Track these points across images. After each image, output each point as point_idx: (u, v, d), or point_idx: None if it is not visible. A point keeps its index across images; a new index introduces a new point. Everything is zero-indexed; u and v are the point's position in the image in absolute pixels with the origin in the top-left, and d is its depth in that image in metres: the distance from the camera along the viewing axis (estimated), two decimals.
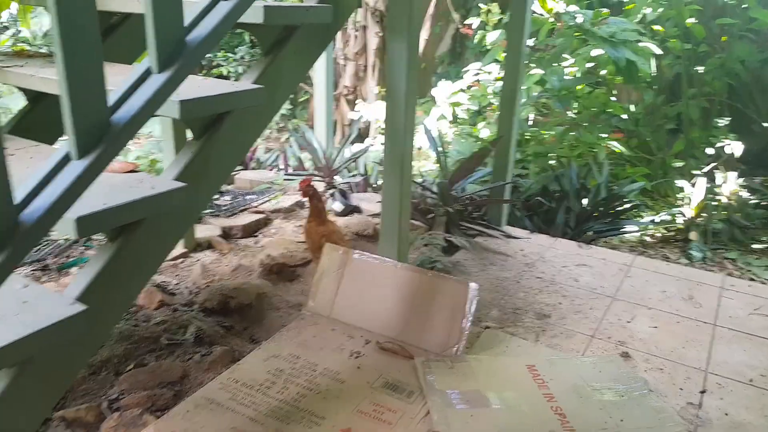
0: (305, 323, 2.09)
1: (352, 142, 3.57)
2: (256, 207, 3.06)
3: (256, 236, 2.87)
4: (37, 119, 1.74)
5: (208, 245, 2.70)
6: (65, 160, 1.03)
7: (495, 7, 4.05)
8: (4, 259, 0.96)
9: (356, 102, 5.17)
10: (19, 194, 0.99)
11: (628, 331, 2.13)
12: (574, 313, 2.24)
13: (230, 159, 1.51)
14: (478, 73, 4.00)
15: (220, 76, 5.54)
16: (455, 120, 4.04)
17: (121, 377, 1.82)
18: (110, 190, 1.24)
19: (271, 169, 3.76)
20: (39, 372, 1.13)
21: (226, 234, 2.82)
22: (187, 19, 1.17)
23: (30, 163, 1.37)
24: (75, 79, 0.99)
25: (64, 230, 1.11)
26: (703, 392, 1.81)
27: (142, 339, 2.02)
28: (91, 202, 1.14)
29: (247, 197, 3.14)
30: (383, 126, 4.73)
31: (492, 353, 1.95)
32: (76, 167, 1.03)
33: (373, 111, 4.73)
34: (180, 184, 1.30)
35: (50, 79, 1.42)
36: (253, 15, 1.34)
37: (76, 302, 1.16)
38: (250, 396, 1.71)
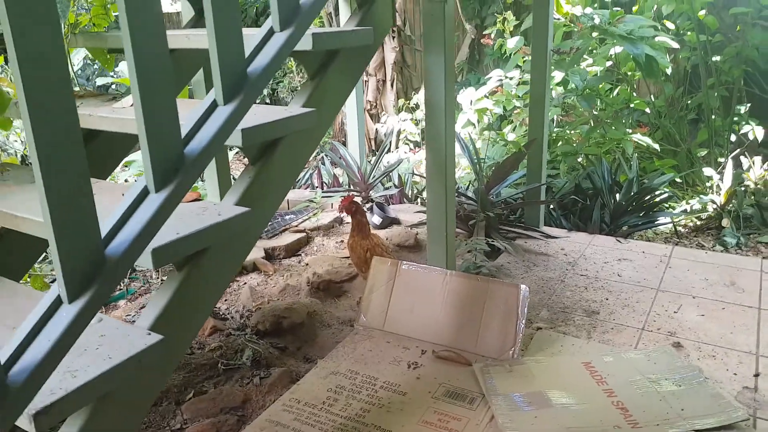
0: (359, 338, 2.12)
1: (381, 155, 3.61)
2: (296, 226, 3.11)
3: (298, 255, 2.92)
4: (90, 156, 1.81)
5: (253, 268, 2.75)
6: (144, 193, 1.08)
7: (510, 15, 4.10)
8: (94, 294, 1.00)
9: (380, 115, 5.24)
10: (103, 229, 1.04)
11: (676, 321, 2.14)
12: (621, 307, 2.24)
13: (285, 181, 1.56)
14: (501, 79, 4.03)
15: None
16: (486, 125, 4.07)
17: (183, 406, 1.85)
18: (179, 219, 1.29)
19: (306, 188, 3.82)
20: (117, 405, 1.16)
21: (270, 255, 2.87)
22: (247, 52, 1.23)
23: (95, 199, 1.42)
24: (151, 116, 1.05)
25: (142, 262, 1.15)
26: (757, 375, 1.81)
27: (198, 366, 2.07)
28: (163, 232, 1.19)
29: (287, 217, 3.19)
30: (407, 137, 4.80)
31: (547, 353, 1.96)
32: (155, 200, 1.08)
33: (396, 123, 4.79)
34: (244, 209, 1.35)
35: (108, 117, 1.48)
36: (303, 43, 1.39)
37: (151, 333, 1.20)
38: (314, 415, 1.74)
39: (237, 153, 5.08)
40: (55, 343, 0.95)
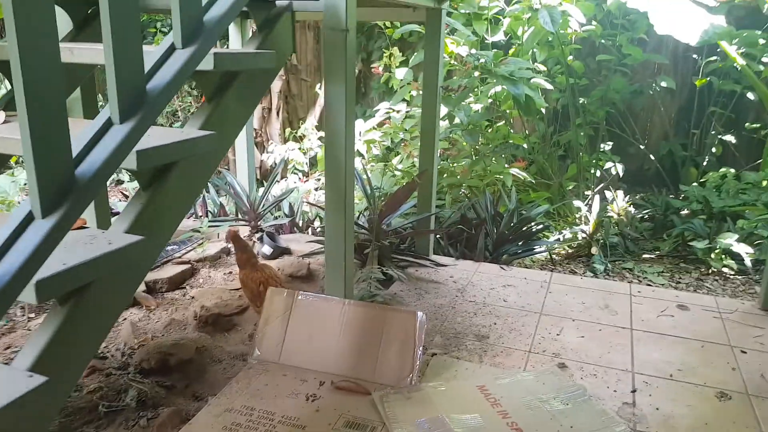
0: (254, 372, 2.03)
1: (271, 184, 3.54)
2: (179, 257, 2.94)
3: (183, 288, 2.76)
4: None
5: (133, 302, 2.55)
6: (28, 219, 0.97)
7: (396, 51, 4.27)
8: None
9: (265, 144, 5.16)
10: None
11: (559, 343, 2.29)
12: (509, 331, 2.36)
13: (180, 208, 1.48)
14: (388, 112, 4.16)
15: None
16: (374, 156, 4.15)
17: None
18: (65, 248, 1.17)
19: (190, 217, 3.63)
20: None
21: (151, 288, 2.69)
22: (146, 68, 1.16)
23: None
24: (39, 134, 0.95)
25: (23, 297, 1.03)
26: (634, 391, 1.98)
27: (76, 410, 1.87)
28: (48, 263, 1.07)
29: (169, 248, 3.01)
30: (296, 166, 4.76)
31: (443, 378, 2.01)
32: (41, 227, 0.97)
33: (284, 152, 4.74)
34: (138, 238, 1.25)
35: None
36: (204, 62, 1.34)
37: (34, 374, 1.07)
38: None
39: (110, 181, 4.73)
40: None
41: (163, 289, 2.72)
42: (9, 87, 1.68)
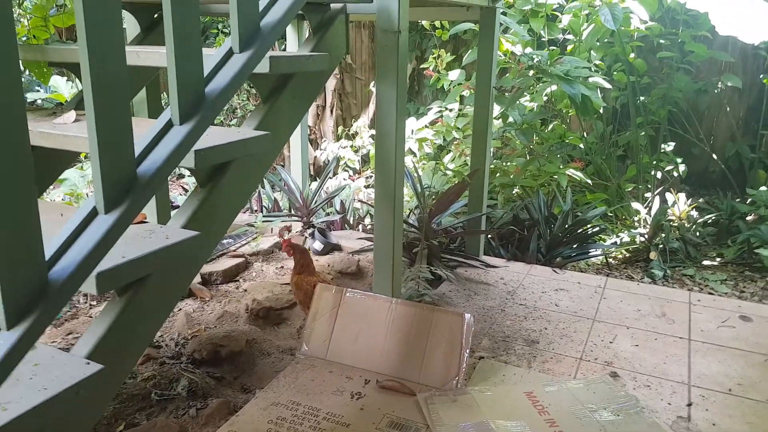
0: (301, 367, 2.07)
1: (323, 181, 3.59)
2: (234, 251, 3.03)
3: (237, 281, 2.83)
4: None
5: (189, 293, 2.64)
6: (93, 214, 1.02)
7: (443, 53, 4.24)
8: (34, 322, 0.93)
9: (319, 141, 5.23)
10: (47, 251, 0.97)
11: (612, 351, 2.22)
12: (560, 337, 2.31)
13: (234, 205, 1.52)
14: (440, 111, 4.13)
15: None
16: (426, 155, 4.14)
17: None
18: (125, 242, 1.22)
19: (245, 212, 3.73)
20: None
21: (206, 280, 2.77)
22: (205, 71, 1.19)
23: None
24: (105, 134, 0.99)
25: (85, 287, 1.08)
26: (689, 405, 1.90)
27: (130, 397, 1.95)
28: (108, 255, 1.12)
29: (225, 241, 3.10)
30: (347, 164, 4.80)
31: (490, 383, 1.98)
32: (104, 221, 1.02)
33: (336, 149, 4.79)
34: (193, 233, 1.29)
35: (50, 133, 1.40)
36: (260, 65, 1.37)
37: (90, 362, 1.12)
38: None
39: (173, 174, 4.91)
40: None
41: (217, 282, 2.81)
42: (80, 86, 1.77)
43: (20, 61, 1.98)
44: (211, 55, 1.23)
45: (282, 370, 2.06)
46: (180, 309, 2.53)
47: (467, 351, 1.97)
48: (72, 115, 1.50)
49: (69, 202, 3.26)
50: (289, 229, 3.26)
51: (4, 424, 0.95)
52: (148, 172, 1.07)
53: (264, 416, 1.81)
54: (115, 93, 0.98)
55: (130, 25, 2.07)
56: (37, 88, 4.04)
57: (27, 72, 1.85)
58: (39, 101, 4.13)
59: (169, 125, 1.13)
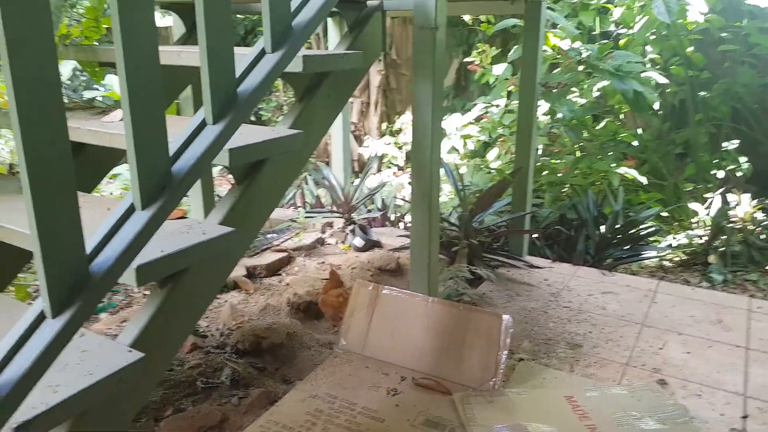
0: (339, 362, 2.09)
1: (365, 177, 3.61)
2: (278, 246, 3.08)
3: (280, 275, 2.89)
4: (76, 169, 1.78)
5: (234, 286, 2.71)
6: (130, 210, 1.06)
7: (488, 47, 4.17)
8: (77, 310, 0.98)
9: (363, 138, 5.26)
10: (88, 245, 1.02)
11: (661, 357, 2.13)
12: (605, 341, 2.24)
13: (270, 202, 1.55)
14: (486, 106, 4.08)
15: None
16: (470, 152, 4.10)
17: (161, 423, 1.81)
18: (163, 236, 1.26)
19: (289, 207, 3.80)
20: (96, 421, 1.13)
21: (251, 274, 2.84)
22: (238, 71, 1.22)
23: (81, 213, 1.40)
24: (140, 134, 1.03)
25: (125, 279, 1.13)
26: (745, 417, 1.80)
27: (178, 383, 2.03)
28: (147, 249, 1.17)
29: (269, 236, 3.17)
30: (390, 161, 4.81)
31: (529, 386, 1.95)
32: (140, 217, 1.06)
33: (380, 146, 4.80)
34: (229, 229, 1.33)
35: (98, 131, 1.46)
36: (293, 64, 1.39)
37: (132, 350, 1.18)
38: None
39: (221, 170, 5.06)
40: (37, 359, 0.94)
41: (261, 275, 2.87)
42: None
43: (74, 61, 2.08)
44: (244, 55, 1.26)
45: (320, 364, 2.09)
46: (226, 301, 2.60)
47: (505, 352, 1.94)
48: (119, 113, 1.56)
49: (122, 196, 3.40)
50: (330, 225, 3.30)
51: (55, 405, 1.01)
52: (182, 169, 1.11)
53: (302, 408, 1.84)
54: (150, 95, 1.02)
55: (177, 25, 2.14)
56: (95, 86, 4.24)
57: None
58: (98, 99, 4.33)
59: (202, 125, 1.16)
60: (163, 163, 1.08)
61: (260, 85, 1.23)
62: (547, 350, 2.17)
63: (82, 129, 1.49)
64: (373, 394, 1.90)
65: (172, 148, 1.13)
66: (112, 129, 1.45)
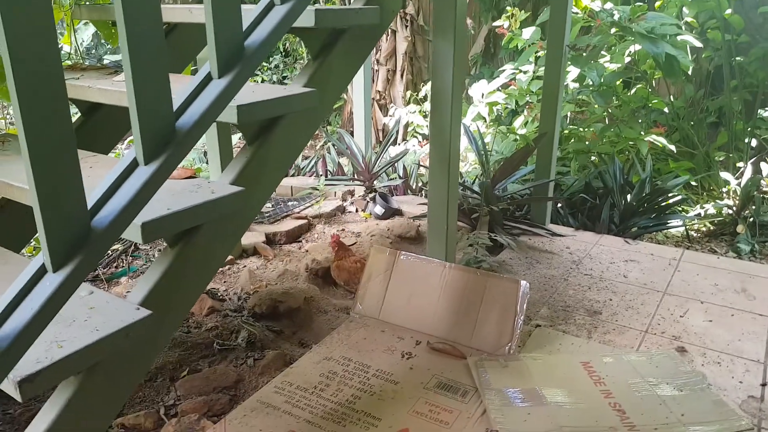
0: (354, 326, 2.10)
1: (387, 146, 3.57)
2: (298, 213, 3.09)
3: (299, 241, 2.90)
4: (91, 130, 1.80)
5: (253, 251, 2.73)
6: (133, 165, 1.06)
7: (517, 11, 4.03)
8: (78, 264, 0.98)
9: (389, 106, 5.19)
10: (89, 200, 1.02)
11: (681, 325, 2.09)
12: (625, 309, 2.20)
13: (283, 163, 1.53)
14: (513, 73, 3.97)
15: None
16: (494, 119, 4.01)
17: (177, 383, 1.85)
18: (172, 195, 1.27)
19: (311, 175, 3.80)
20: (106, 376, 1.15)
21: (270, 240, 2.86)
22: (245, 24, 1.20)
23: (91, 172, 1.41)
24: (142, 87, 1.02)
25: (130, 236, 1.14)
26: (764, 385, 1.76)
27: (195, 345, 2.06)
28: (154, 207, 1.17)
29: (289, 203, 3.17)
30: (416, 129, 4.75)
31: (545, 351, 1.93)
32: (143, 173, 1.06)
33: (405, 115, 4.74)
34: (238, 189, 1.32)
35: (108, 89, 1.46)
36: (305, 19, 1.36)
37: (140, 308, 1.19)
38: (305, 399, 1.72)
39: (241, 137, 5.07)
40: (37, 312, 0.94)
41: (281, 242, 2.89)
42: None
43: (88, 22, 2.08)
44: (250, 10, 1.23)
45: (337, 328, 2.10)
46: (244, 266, 2.62)
47: (521, 318, 1.91)
48: None
49: None
50: (351, 193, 3.29)
51: (59, 359, 1.02)
52: (187, 124, 1.10)
53: (316, 369, 1.86)
54: (151, 49, 1.00)
55: None
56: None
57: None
58: (107, 62, 4.31)
59: (208, 78, 1.15)
60: (166, 118, 1.08)
61: (269, 38, 1.20)
62: (566, 317, 2.14)
63: (93, 88, 1.49)
64: (387, 357, 1.91)
65: (176, 102, 1.12)
66: (122, 87, 1.44)
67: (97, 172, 1.40)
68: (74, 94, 1.61)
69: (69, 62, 2.09)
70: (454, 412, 1.65)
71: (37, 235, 1.00)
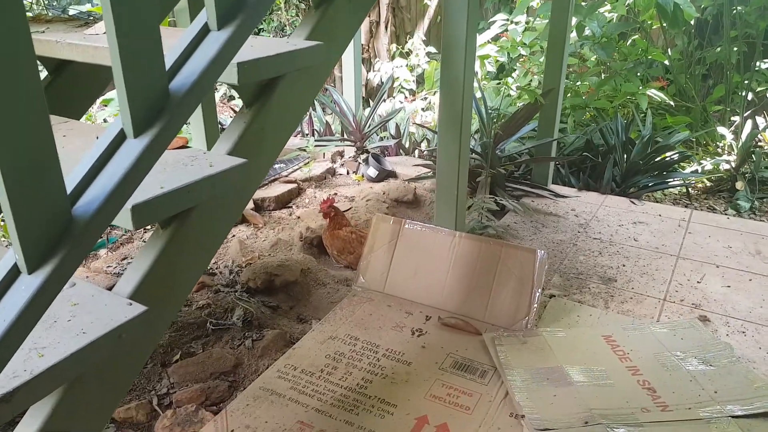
0: (358, 300, 1.96)
1: (378, 103, 3.36)
2: (286, 176, 2.90)
3: (289, 207, 2.72)
4: (60, 92, 1.57)
5: (242, 219, 2.55)
6: (120, 138, 0.87)
7: None
8: (60, 263, 0.80)
9: (374, 61, 4.93)
10: (68, 183, 0.83)
11: (700, 292, 2.00)
12: (640, 275, 2.10)
13: (285, 128, 1.35)
14: (505, 24, 3.76)
15: None
16: (487, 74, 3.82)
17: (170, 369, 1.70)
18: (163, 170, 1.08)
19: (296, 135, 3.58)
20: (92, 386, 0.98)
21: (259, 206, 2.67)
22: None
23: (65, 142, 1.21)
24: (127, 40, 0.82)
25: (118, 221, 0.95)
26: None
27: (186, 325, 1.90)
28: (145, 185, 0.98)
29: (276, 166, 2.97)
30: (402, 84, 4.52)
31: (563, 324, 1.82)
32: (133, 147, 0.87)
33: (390, 69, 4.50)
34: (240, 161, 1.14)
35: (79, 44, 1.24)
36: None
37: (133, 302, 1.01)
38: (312, 384, 1.59)
39: (222, 95, 4.77)
40: (11, 324, 0.76)
41: (270, 208, 2.70)
42: None
43: None
44: None
45: (338, 302, 1.96)
46: (233, 235, 2.45)
47: (539, 290, 1.80)
48: (103, 24, 1.33)
49: None
50: (341, 154, 3.10)
51: (40, 372, 0.85)
52: (182, 87, 0.90)
53: (322, 350, 1.72)
54: None
55: None
56: (87, 3, 3.89)
57: None
58: (72, 12, 3.96)
59: (205, 30, 0.95)
60: (158, 79, 0.88)
61: None
62: (579, 285, 2.04)
63: (61, 43, 1.26)
64: (396, 335, 1.78)
65: (168, 61, 0.92)
66: (95, 42, 1.23)
67: (72, 142, 1.20)
68: (40, 50, 1.37)
69: (30, 14, 1.82)
70: (474, 395, 1.54)
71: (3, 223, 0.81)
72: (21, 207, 0.75)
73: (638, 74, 3.48)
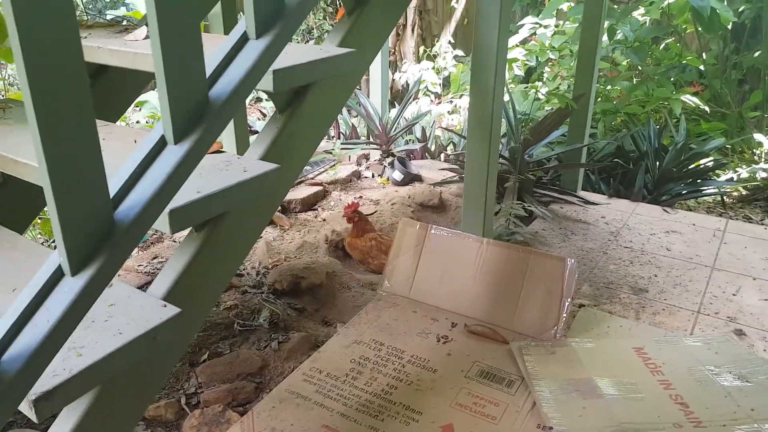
0: (383, 305, 1.96)
1: (404, 106, 3.35)
2: (312, 179, 2.91)
3: (315, 209, 2.73)
4: (98, 95, 1.60)
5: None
6: (161, 144, 0.88)
7: None
8: (102, 266, 0.82)
9: (402, 63, 4.93)
10: (111, 187, 0.84)
11: (735, 304, 1.95)
12: (672, 286, 2.06)
13: (316, 133, 1.36)
14: (534, 27, 3.72)
15: None
16: (515, 78, 3.79)
17: (198, 369, 1.72)
18: (199, 174, 1.09)
19: None
20: (127, 384, 1.00)
21: (285, 208, 2.69)
22: None
23: (105, 145, 1.22)
24: (171, 49, 0.83)
25: (157, 225, 0.96)
26: None
27: (214, 326, 1.92)
28: (182, 189, 0.99)
29: (303, 169, 2.98)
30: (428, 87, 4.51)
31: (593, 335, 1.79)
32: (174, 153, 0.88)
33: (417, 72, 4.50)
34: (273, 166, 1.15)
35: (120, 51, 1.26)
36: None
37: (167, 304, 1.03)
38: (337, 388, 1.59)
39: (251, 98, 4.81)
40: (55, 325, 0.77)
41: (296, 210, 2.72)
42: None
43: None
44: None
45: (363, 306, 1.96)
46: (260, 237, 2.46)
47: (569, 300, 1.77)
48: (143, 31, 1.35)
49: (150, 125, 3.22)
50: (366, 157, 3.10)
51: (80, 371, 0.87)
52: (222, 95, 0.91)
53: (347, 354, 1.73)
54: (182, 4, 0.81)
55: None
56: (123, 6, 3.96)
57: None
58: (124, 22, 4.06)
59: (244, 39, 0.95)
60: (199, 87, 0.89)
61: None
62: (610, 295, 2.01)
63: (103, 49, 1.29)
64: (422, 341, 1.77)
65: (209, 69, 0.93)
66: (136, 48, 1.25)
67: (111, 145, 1.21)
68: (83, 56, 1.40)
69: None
70: (501, 405, 1.52)
71: (48, 216, 0.83)
72: (67, 211, 0.76)
73: (671, 79, 3.41)
